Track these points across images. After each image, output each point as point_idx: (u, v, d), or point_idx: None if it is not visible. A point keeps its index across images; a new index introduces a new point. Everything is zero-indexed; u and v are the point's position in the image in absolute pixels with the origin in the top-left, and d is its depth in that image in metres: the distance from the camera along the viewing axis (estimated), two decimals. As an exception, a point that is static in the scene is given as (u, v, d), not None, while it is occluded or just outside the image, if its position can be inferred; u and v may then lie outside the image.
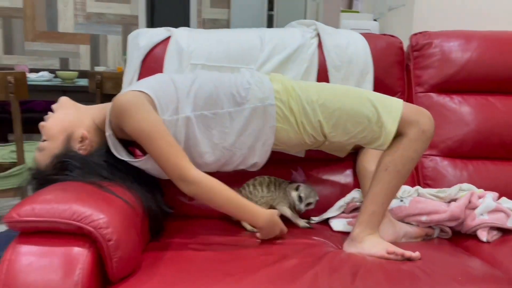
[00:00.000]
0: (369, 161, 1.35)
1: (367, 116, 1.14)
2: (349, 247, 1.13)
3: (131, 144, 1.19)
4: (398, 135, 1.13)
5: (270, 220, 1.13)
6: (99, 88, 2.46)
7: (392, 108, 1.14)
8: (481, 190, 1.34)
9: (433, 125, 1.13)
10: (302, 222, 1.31)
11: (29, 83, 2.59)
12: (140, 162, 1.13)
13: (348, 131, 1.16)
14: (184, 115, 1.13)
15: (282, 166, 1.42)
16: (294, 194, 1.29)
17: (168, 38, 1.49)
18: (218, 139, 1.16)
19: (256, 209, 1.13)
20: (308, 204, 1.30)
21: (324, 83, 1.25)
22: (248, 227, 1.25)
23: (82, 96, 2.71)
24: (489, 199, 1.27)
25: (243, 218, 1.16)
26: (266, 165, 1.29)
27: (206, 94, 1.15)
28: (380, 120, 1.13)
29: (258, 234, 1.17)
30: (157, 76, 1.23)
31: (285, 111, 1.17)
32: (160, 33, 1.50)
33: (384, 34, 1.61)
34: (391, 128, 1.12)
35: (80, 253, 0.83)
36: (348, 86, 1.24)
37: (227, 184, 1.10)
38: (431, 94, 1.57)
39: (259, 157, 1.23)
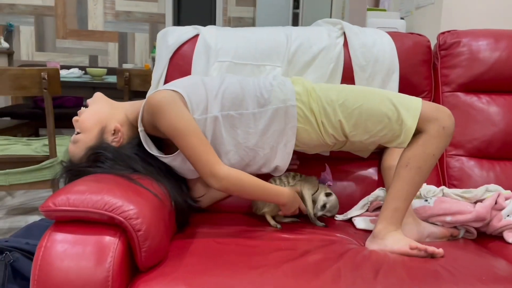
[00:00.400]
0: (394, 159, 1.35)
1: (386, 114, 1.16)
2: (372, 244, 1.14)
3: (160, 142, 1.22)
4: (418, 132, 1.15)
5: (291, 195, 1.22)
6: (127, 85, 2.51)
7: (411, 106, 1.15)
8: (508, 191, 1.32)
9: (453, 122, 1.14)
10: (317, 222, 1.31)
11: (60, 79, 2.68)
12: (169, 159, 1.17)
13: (368, 130, 1.18)
14: (212, 114, 1.16)
15: (307, 163, 1.44)
16: (321, 198, 1.29)
17: (195, 36, 1.52)
18: (242, 138, 1.19)
19: (279, 188, 1.21)
20: (323, 214, 1.31)
21: (344, 85, 1.27)
22: (272, 222, 1.27)
23: (111, 92, 2.77)
24: (516, 200, 1.25)
25: (270, 199, 1.20)
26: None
27: (232, 95, 1.19)
28: (400, 118, 1.15)
29: (280, 212, 1.25)
30: (189, 77, 1.28)
31: (306, 112, 1.19)
32: (188, 31, 1.53)
33: (411, 33, 1.60)
34: (411, 125, 1.14)
35: (112, 242, 0.86)
36: (368, 87, 1.26)
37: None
38: (458, 93, 1.55)
39: (281, 160, 1.25)
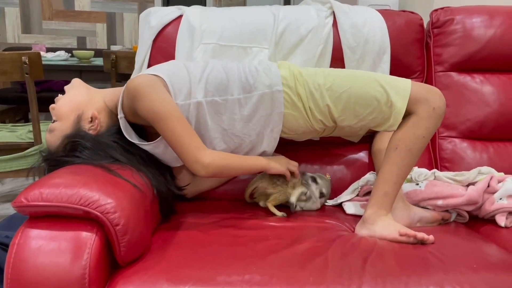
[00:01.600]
0: (384, 142, 1.32)
1: (375, 96, 1.12)
2: (361, 229, 1.12)
3: (142, 130, 1.18)
4: (408, 114, 1.12)
5: (266, 159, 1.19)
6: (114, 68, 2.45)
7: (400, 87, 1.12)
8: (501, 173, 1.29)
9: (444, 103, 1.11)
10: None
11: (45, 63, 2.60)
12: (151, 146, 1.13)
13: (357, 114, 1.14)
14: (196, 100, 1.12)
15: (296, 149, 1.40)
16: (314, 188, 1.27)
17: (180, 17, 1.47)
18: (228, 125, 1.16)
19: (255, 157, 1.19)
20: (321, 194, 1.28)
21: (331, 68, 1.22)
22: (278, 213, 1.23)
23: (98, 75, 2.72)
24: (509, 183, 1.22)
25: (253, 170, 1.17)
26: (279, 150, 1.27)
27: (217, 80, 1.14)
28: (389, 100, 1.12)
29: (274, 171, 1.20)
30: (170, 62, 1.24)
31: (292, 97, 1.15)
32: (171, 11, 1.48)
33: (404, 11, 1.55)
34: (401, 107, 1.11)
35: (88, 238, 0.83)
36: (355, 70, 1.22)
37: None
38: (451, 73, 1.51)
39: (267, 145, 1.21)
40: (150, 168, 1.11)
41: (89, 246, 0.82)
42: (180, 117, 1.06)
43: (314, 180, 1.28)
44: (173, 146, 1.06)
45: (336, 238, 1.06)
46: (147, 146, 1.13)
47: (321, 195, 1.28)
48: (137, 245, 0.89)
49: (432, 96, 1.10)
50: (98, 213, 0.83)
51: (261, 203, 1.27)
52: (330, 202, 1.36)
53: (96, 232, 0.84)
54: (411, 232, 1.04)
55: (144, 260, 0.91)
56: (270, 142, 1.21)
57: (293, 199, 1.22)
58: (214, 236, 1.04)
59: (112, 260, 0.89)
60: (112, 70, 2.46)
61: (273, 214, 1.22)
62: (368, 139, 1.44)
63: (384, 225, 1.08)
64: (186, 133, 1.05)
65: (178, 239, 1.02)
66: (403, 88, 1.12)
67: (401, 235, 1.04)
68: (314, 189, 1.27)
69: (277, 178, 1.24)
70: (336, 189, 1.38)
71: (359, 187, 1.35)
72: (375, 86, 1.13)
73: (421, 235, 1.03)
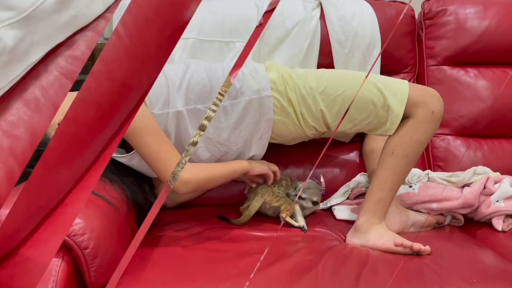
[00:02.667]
0: (376, 142, 1.27)
1: (371, 100, 1.05)
2: (353, 238, 1.06)
3: None
4: (405, 117, 1.06)
5: (246, 160, 1.13)
6: (91, 61, 2.34)
7: (397, 90, 1.06)
8: (497, 173, 1.24)
9: (442, 105, 1.06)
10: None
11: None
12: (126, 159, 1.04)
13: (352, 119, 1.07)
14: (175, 109, 1.03)
15: (284, 150, 1.33)
16: (305, 203, 1.19)
17: (157, 10, 1.38)
18: (212, 133, 1.08)
19: (235, 161, 1.13)
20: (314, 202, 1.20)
21: (322, 69, 1.15)
22: (296, 223, 1.13)
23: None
24: (505, 184, 1.18)
25: (236, 174, 1.10)
26: (267, 151, 1.20)
27: (199, 86, 1.06)
28: (386, 104, 1.05)
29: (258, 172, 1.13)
30: None
31: (282, 103, 1.08)
32: (147, 4, 1.38)
33: (394, 1, 1.49)
34: (399, 110, 1.04)
35: (54, 264, 0.75)
36: (349, 71, 1.17)
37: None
38: (444, 67, 1.45)
39: (255, 151, 1.14)
40: (125, 178, 1.03)
41: (55, 274, 0.74)
42: (156, 131, 0.98)
43: (303, 192, 1.20)
44: (149, 163, 0.98)
45: (327, 249, 1.00)
46: (121, 158, 1.04)
47: (314, 203, 1.21)
48: (109, 268, 0.81)
49: (430, 99, 1.04)
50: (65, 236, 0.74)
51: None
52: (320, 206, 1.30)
53: (63, 257, 0.76)
54: (407, 242, 0.98)
55: (118, 283, 0.83)
56: (258, 149, 1.14)
57: (302, 222, 1.14)
58: (196, 252, 0.97)
59: (81, 285, 0.81)
60: (89, 63, 2.34)
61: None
62: (358, 138, 1.38)
63: (377, 234, 1.03)
64: (162, 149, 0.97)
65: (156, 256, 0.94)
66: (400, 91, 1.05)
67: (396, 245, 0.99)
68: (305, 204, 1.19)
69: (278, 188, 1.15)
70: (326, 192, 1.31)
71: (350, 190, 1.29)
72: (371, 89, 1.06)
73: (417, 246, 0.97)
